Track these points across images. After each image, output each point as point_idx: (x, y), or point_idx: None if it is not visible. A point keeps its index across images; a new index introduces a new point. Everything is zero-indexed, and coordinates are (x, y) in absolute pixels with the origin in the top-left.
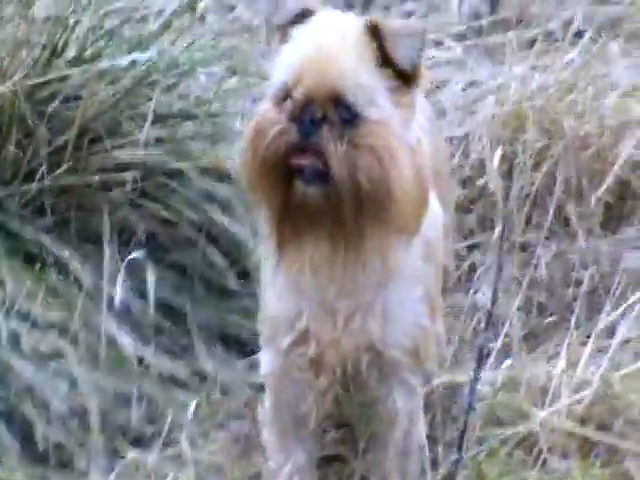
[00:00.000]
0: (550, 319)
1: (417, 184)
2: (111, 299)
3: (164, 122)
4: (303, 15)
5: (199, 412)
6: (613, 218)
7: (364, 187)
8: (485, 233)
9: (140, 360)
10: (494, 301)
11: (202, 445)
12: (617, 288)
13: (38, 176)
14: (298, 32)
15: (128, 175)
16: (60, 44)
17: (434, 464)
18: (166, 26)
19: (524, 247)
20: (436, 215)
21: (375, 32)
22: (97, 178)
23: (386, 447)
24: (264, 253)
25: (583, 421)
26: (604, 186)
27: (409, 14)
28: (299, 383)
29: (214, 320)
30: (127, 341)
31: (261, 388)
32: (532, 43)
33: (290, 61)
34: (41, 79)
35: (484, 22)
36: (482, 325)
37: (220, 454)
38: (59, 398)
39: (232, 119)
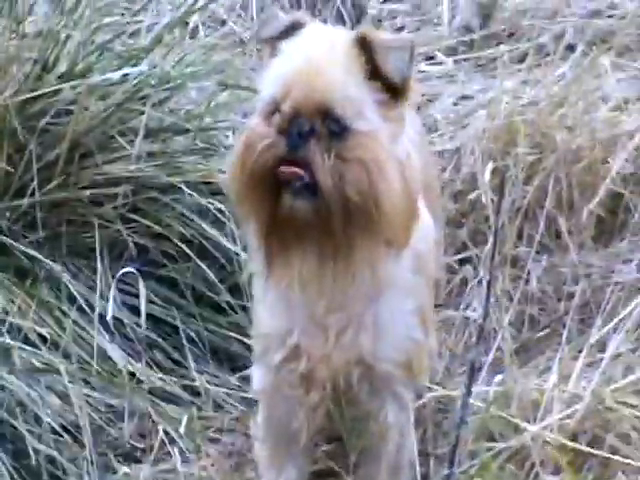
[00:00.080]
0: (542, 333)
1: (406, 197)
2: (103, 314)
3: (155, 136)
4: (292, 28)
5: (191, 427)
6: (605, 232)
7: (352, 199)
8: (477, 247)
9: (132, 375)
10: (485, 315)
11: (194, 460)
12: (609, 302)
13: (29, 191)
14: (287, 45)
15: (119, 190)
16: (51, 59)
17: (426, 478)
18: (157, 41)
19: (515, 261)
20: (427, 228)
21: (364, 45)
22: (88, 193)
23: (378, 461)
24: (254, 269)
25: (575, 435)
26: (596, 199)
27: (400, 28)
28: (290, 399)
29: (206, 335)
30: (119, 355)
31: (253, 403)
32: (523, 57)
33: (279, 74)
34: (32, 94)
35: (475, 36)
36: (473, 339)
37: (212, 469)
38: (51, 413)
39: (223, 133)
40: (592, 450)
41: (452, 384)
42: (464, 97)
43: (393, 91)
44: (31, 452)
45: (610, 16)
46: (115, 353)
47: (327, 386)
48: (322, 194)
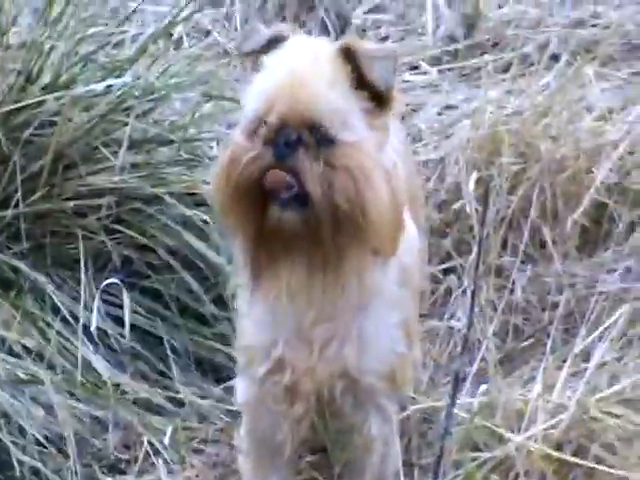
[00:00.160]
0: (526, 343)
1: (392, 205)
2: (87, 325)
3: (139, 148)
4: (274, 42)
5: (175, 438)
6: (589, 241)
7: (341, 207)
8: (461, 257)
9: (116, 386)
10: (470, 325)
11: (178, 471)
12: (593, 312)
13: (13, 202)
14: (270, 59)
15: (103, 201)
16: (35, 70)
17: None
18: (141, 52)
19: (500, 270)
20: (412, 240)
21: (349, 54)
22: (72, 204)
23: (362, 473)
24: (239, 282)
25: (559, 445)
26: (580, 209)
27: (385, 38)
28: (274, 412)
29: (190, 346)
30: (103, 367)
31: (237, 414)
32: (507, 67)
33: (263, 88)
34: (16, 105)
35: (459, 46)
36: (458, 349)
37: None
38: (35, 424)
39: (208, 144)
40: (577, 460)
41: (436, 394)
42: (448, 107)
43: (378, 100)
44: (15, 464)
45: (594, 25)
46: (99, 364)
47: (311, 399)
48: (312, 202)
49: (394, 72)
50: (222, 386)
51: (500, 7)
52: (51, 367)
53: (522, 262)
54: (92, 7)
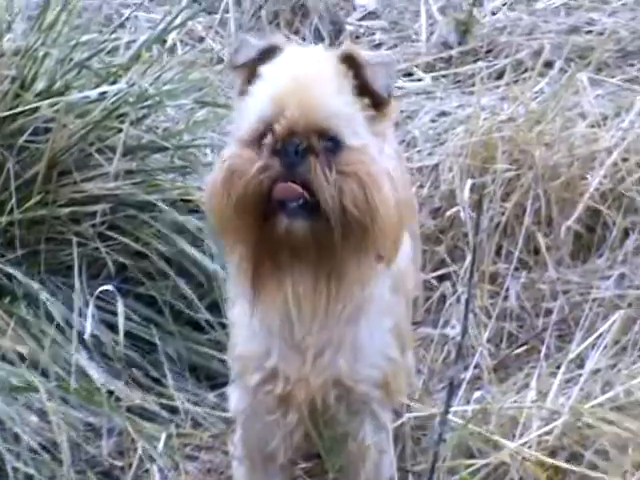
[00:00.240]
0: (520, 349)
1: (397, 208)
2: (81, 332)
3: (134, 154)
4: (268, 52)
5: (169, 444)
6: (583, 248)
7: (351, 213)
8: (455, 263)
9: (110, 393)
10: (464, 332)
11: (173, 477)
12: (587, 318)
13: (7, 209)
14: (269, 69)
15: (98, 207)
16: (29, 76)
17: None
18: (135, 58)
19: (494, 277)
20: (405, 246)
21: (351, 61)
22: (67, 210)
23: (357, 479)
24: (233, 293)
25: (554, 451)
26: (574, 216)
27: (378, 45)
28: (268, 421)
29: (184, 352)
30: (97, 373)
31: (231, 420)
32: (501, 73)
33: (267, 97)
34: (10, 112)
35: (453, 52)
36: (452, 356)
37: None
38: (29, 431)
39: (202, 151)
40: (571, 466)
41: (431, 401)
42: (442, 113)
43: (377, 107)
44: (9, 471)
45: (588, 32)
46: (93, 371)
47: (304, 408)
48: (324, 211)
49: (393, 78)
50: (216, 393)
51: (494, 14)
52: (45, 374)
53: (516, 269)
54: (86, 14)
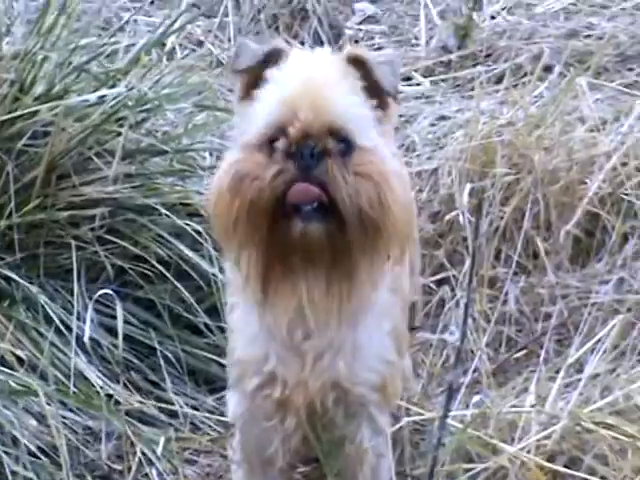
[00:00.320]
0: (519, 353)
1: (408, 207)
2: (80, 335)
3: (133, 158)
4: (272, 56)
5: (168, 448)
6: (582, 252)
7: (366, 214)
8: (454, 268)
9: (109, 396)
10: (463, 337)
11: None
12: (586, 323)
13: (6, 212)
14: (277, 73)
15: (97, 211)
16: (28, 80)
17: None
18: (134, 62)
19: (493, 281)
20: None
21: (358, 63)
22: (66, 214)
23: None
24: (233, 298)
25: (552, 456)
26: (573, 220)
27: (378, 49)
28: (266, 425)
29: (183, 356)
30: (96, 377)
31: (230, 424)
32: (501, 78)
33: (277, 101)
34: (9, 115)
35: (453, 57)
36: (451, 360)
37: None
38: (28, 434)
39: (201, 155)
40: (570, 471)
41: (430, 405)
42: (441, 118)
43: (383, 108)
44: (8, 474)
45: (587, 37)
46: (92, 374)
47: (303, 412)
48: (339, 212)
49: (398, 77)
50: (215, 397)
51: (493, 18)
52: (44, 377)
53: (515, 273)
54: (85, 17)
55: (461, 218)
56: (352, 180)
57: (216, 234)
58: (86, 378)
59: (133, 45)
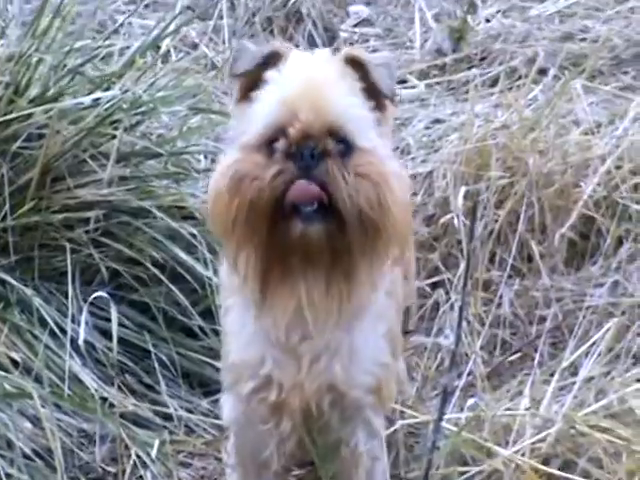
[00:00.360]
0: (514, 357)
1: (407, 207)
2: (74, 338)
3: (127, 161)
4: (270, 58)
5: (163, 451)
6: (577, 255)
7: (366, 214)
8: (449, 271)
9: (104, 399)
10: (458, 340)
11: None
12: (580, 326)
13: (1, 215)
14: (275, 74)
15: (91, 214)
16: (23, 83)
17: None
18: (129, 65)
19: (488, 284)
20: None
21: (356, 64)
22: (60, 217)
23: None
24: (228, 301)
25: (547, 459)
26: (568, 223)
27: (373, 52)
28: (261, 430)
29: (178, 359)
30: (90, 380)
31: (225, 427)
32: (495, 81)
33: (276, 102)
34: (4, 118)
35: (447, 60)
36: (446, 363)
37: None
38: (23, 437)
39: (195, 158)
40: (564, 474)
41: (424, 408)
42: (436, 121)
43: (380, 109)
44: (3, 477)
45: (582, 40)
46: (87, 377)
47: (298, 415)
48: (339, 213)
49: (395, 79)
50: (210, 399)
51: (488, 21)
52: (38, 380)
53: (510, 276)
54: (80, 20)
55: (456, 221)
56: (352, 180)
57: (214, 234)
58: (81, 381)
59: (128, 48)
